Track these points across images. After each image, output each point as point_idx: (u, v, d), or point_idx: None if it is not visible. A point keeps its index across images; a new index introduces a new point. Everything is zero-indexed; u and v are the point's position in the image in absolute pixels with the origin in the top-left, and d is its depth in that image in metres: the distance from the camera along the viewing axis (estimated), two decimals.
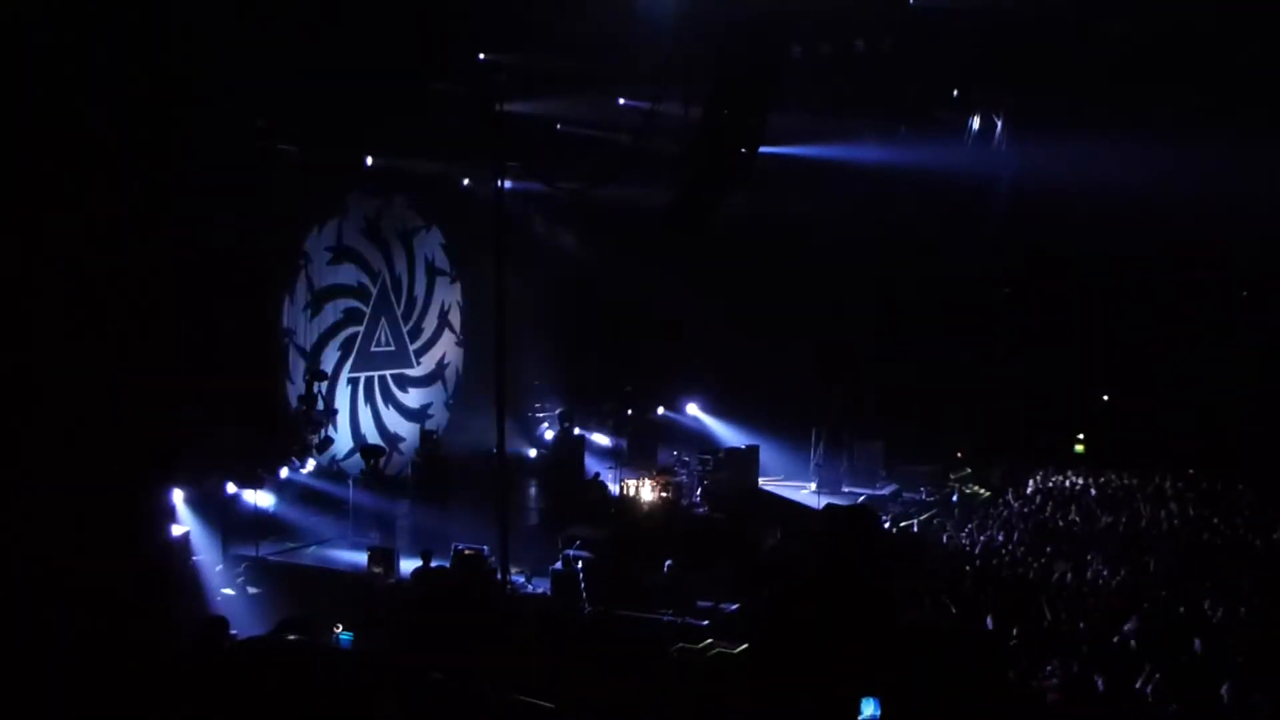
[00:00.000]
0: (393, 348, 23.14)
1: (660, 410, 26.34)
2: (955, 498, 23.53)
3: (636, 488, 21.50)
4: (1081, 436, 27.65)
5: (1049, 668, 10.95)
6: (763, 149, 17.95)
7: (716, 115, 16.87)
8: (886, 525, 20.68)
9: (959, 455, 26.34)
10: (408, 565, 16.37)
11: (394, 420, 23.13)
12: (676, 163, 17.94)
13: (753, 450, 23.82)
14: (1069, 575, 15.16)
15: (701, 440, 25.55)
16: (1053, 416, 26.98)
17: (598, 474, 22.17)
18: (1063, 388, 26.78)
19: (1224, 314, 27.24)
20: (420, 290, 23.89)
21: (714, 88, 16.89)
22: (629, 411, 25.42)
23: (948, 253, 26.80)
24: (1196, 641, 11.82)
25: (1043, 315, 27.90)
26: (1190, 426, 25.81)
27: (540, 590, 16.38)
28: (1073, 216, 25.51)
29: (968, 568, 15.99)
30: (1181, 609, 13.40)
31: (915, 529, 20.47)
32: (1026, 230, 26.38)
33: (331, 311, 21.47)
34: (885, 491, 24.32)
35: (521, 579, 16.82)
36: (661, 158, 18.49)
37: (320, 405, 20.05)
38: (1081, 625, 12.78)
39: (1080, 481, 24.03)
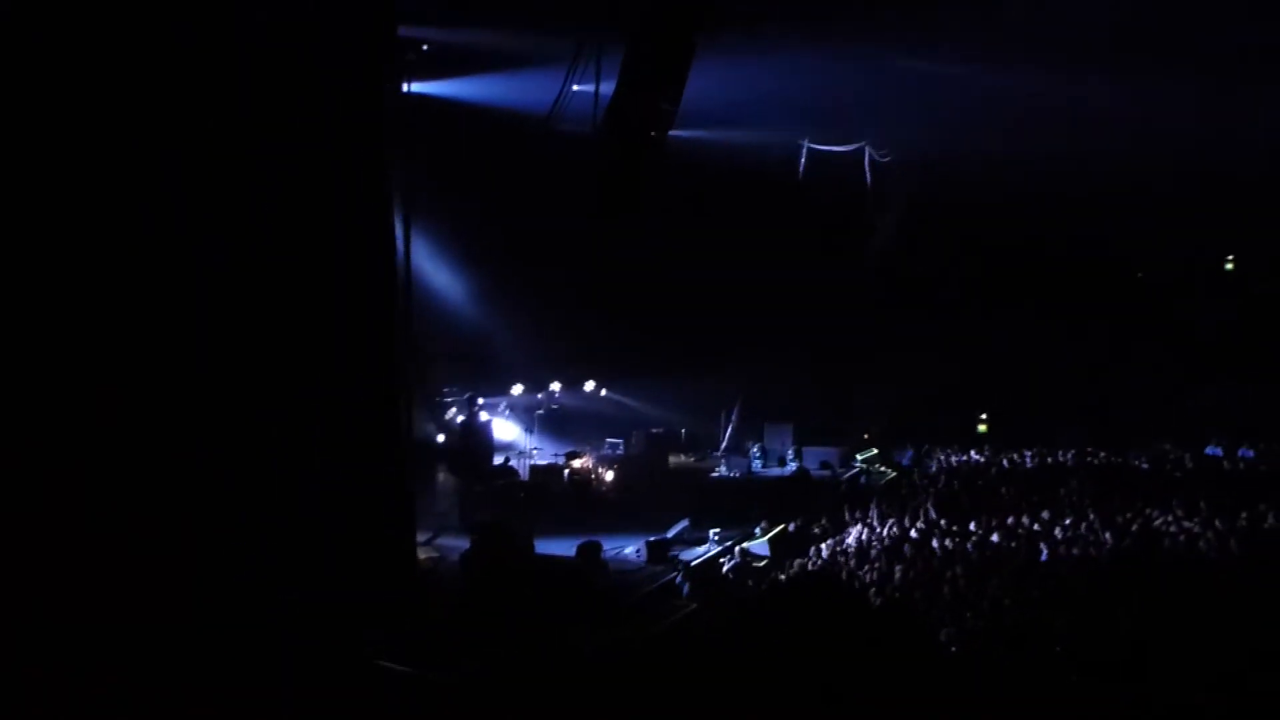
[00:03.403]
0: None
1: (572, 393, 26.27)
2: (863, 479, 23.82)
3: (547, 472, 21.48)
4: (984, 416, 28.20)
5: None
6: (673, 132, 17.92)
7: (626, 98, 16.77)
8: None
9: (866, 437, 26.71)
10: None
11: None
12: (587, 145, 17.84)
13: (663, 433, 23.91)
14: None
15: (614, 422, 25.54)
16: (957, 397, 27.50)
17: (507, 458, 22.03)
18: (967, 368, 27.29)
19: (1120, 295, 28.05)
20: None
21: (623, 71, 16.78)
22: (539, 395, 25.31)
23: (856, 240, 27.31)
24: None
25: (948, 297, 28.43)
26: (1087, 405, 26.50)
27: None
28: (976, 199, 26.06)
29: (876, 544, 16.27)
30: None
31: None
32: (934, 214, 26.89)
33: None
34: (793, 472, 24.53)
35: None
36: (572, 139, 18.41)
37: None
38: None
39: (982, 459, 24.48)
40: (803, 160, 26.78)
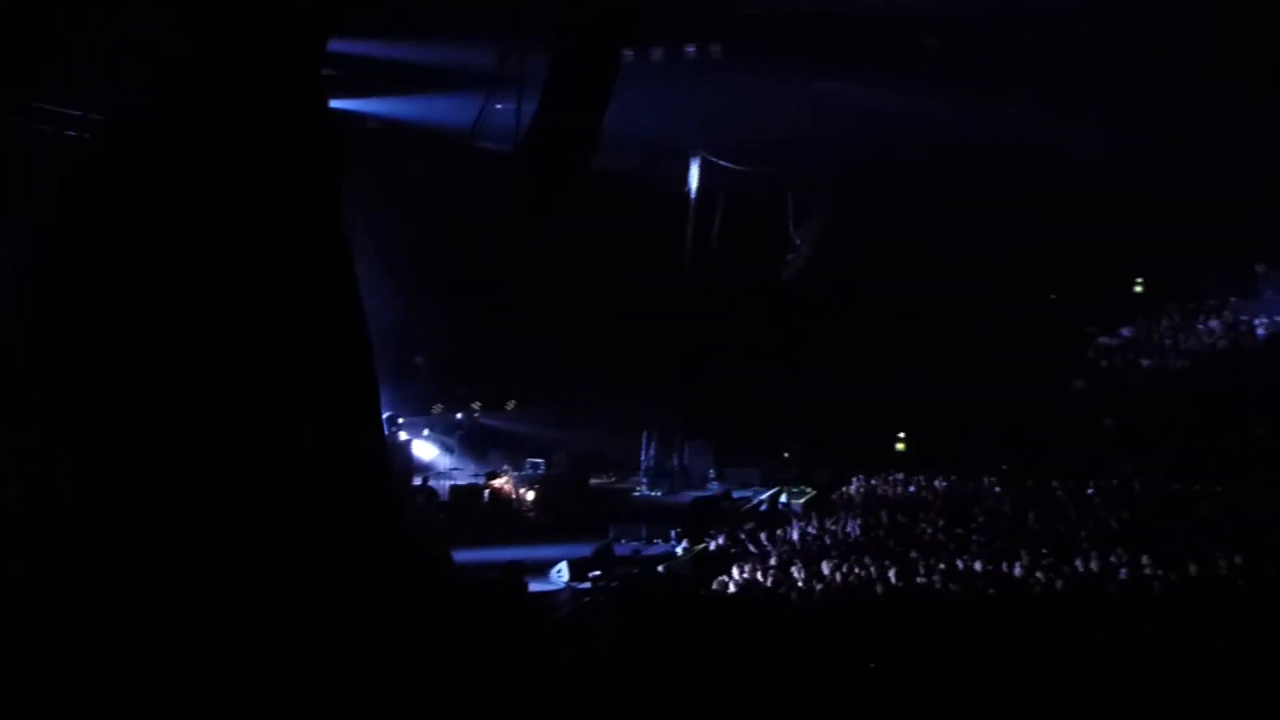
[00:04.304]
0: None
1: (493, 413, 26.10)
2: (784, 498, 23.91)
3: (467, 493, 21.29)
4: (902, 435, 28.44)
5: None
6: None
7: (549, 116, 16.73)
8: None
9: (786, 456, 26.85)
10: None
11: None
12: (512, 163, 17.78)
13: (585, 454, 23.84)
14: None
15: (535, 443, 25.39)
16: (875, 415, 27.69)
17: (425, 479, 21.78)
18: (884, 385, 27.49)
19: (1031, 314, 28.54)
20: None
21: (546, 88, 16.75)
22: (458, 415, 25.09)
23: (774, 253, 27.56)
24: None
25: (864, 314, 28.64)
26: (1001, 424, 26.82)
27: None
28: (891, 217, 26.43)
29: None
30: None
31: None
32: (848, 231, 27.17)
33: None
34: (715, 492, 24.58)
35: None
36: (493, 157, 18.35)
37: None
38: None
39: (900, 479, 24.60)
40: (719, 189, 26.97)
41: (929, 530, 17.86)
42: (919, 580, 14.45)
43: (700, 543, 18.34)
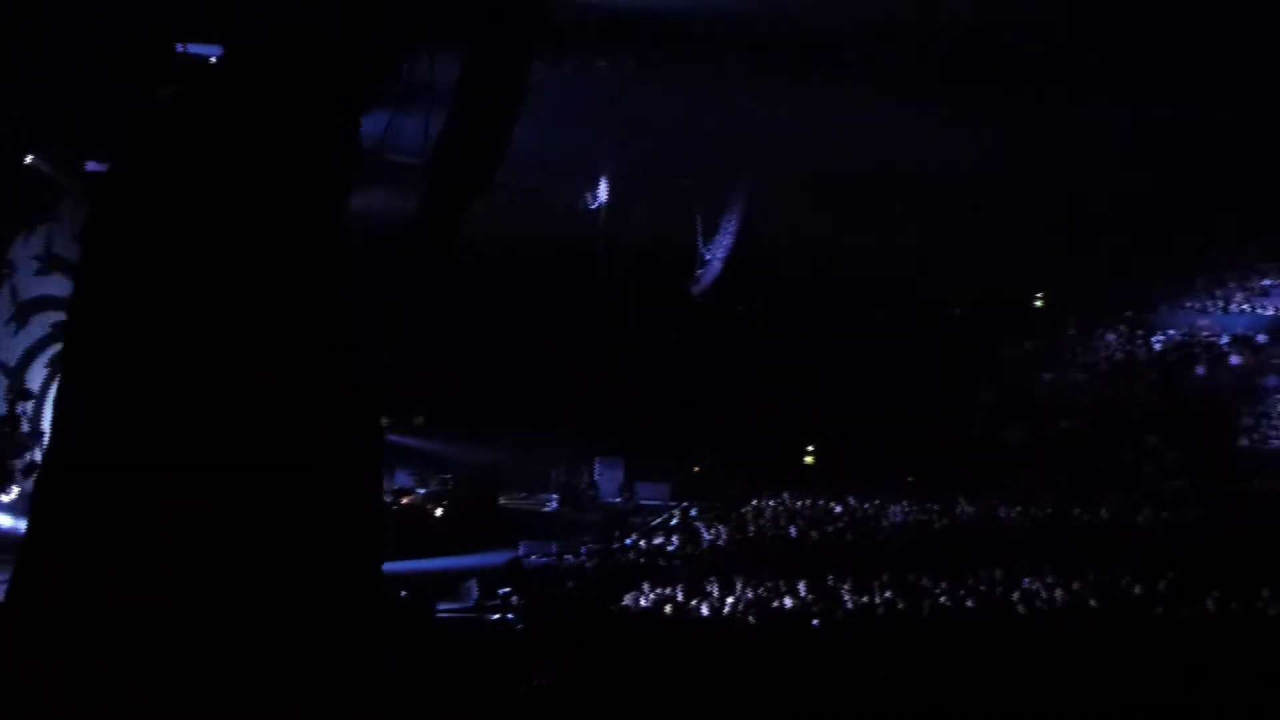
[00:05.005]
0: None
1: (402, 430, 25.77)
2: (695, 513, 23.93)
3: None
4: (811, 449, 28.66)
5: None
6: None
7: (459, 129, 16.58)
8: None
9: (696, 470, 26.91)
10: None
11: None
12: (417, 177, 17.60)
13: (494, 469, 23.66)
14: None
15: (445, 459, 25.14)
16: (785, 429, 27.88)
17: None
18: (794, 400, 27.70)
19: (940, 329, 28.96)
20: None
21: (454, 101, 16.60)
22: None
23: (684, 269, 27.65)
24: None
25: (773, 328, 28.83)
26: (908, 436, 27.17)
27: None
28: (801, 232, 26.64)
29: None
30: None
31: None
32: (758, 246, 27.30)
33: (39, 325, 19.91)
34: (626, 507, 24.56)
35: None
36: (400, 169, 18.16)
37: (25, 427, 18.56)
38: None
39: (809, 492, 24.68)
40: (630, 204, 27.02)
41: (837, 543, 18.02)
42: (828, 594, 14.58)
43: (611, 558, 18.30)
